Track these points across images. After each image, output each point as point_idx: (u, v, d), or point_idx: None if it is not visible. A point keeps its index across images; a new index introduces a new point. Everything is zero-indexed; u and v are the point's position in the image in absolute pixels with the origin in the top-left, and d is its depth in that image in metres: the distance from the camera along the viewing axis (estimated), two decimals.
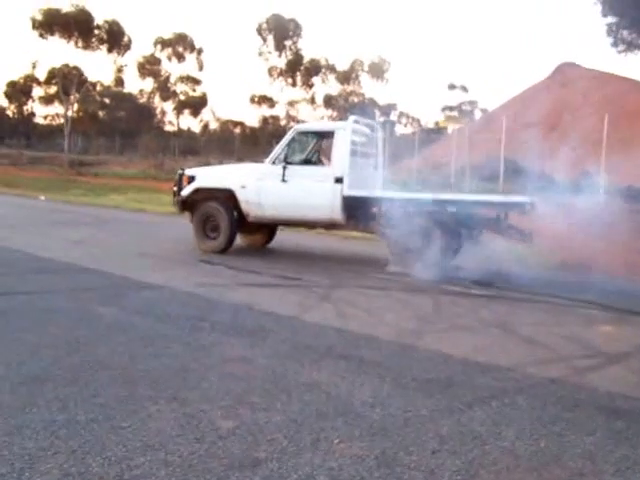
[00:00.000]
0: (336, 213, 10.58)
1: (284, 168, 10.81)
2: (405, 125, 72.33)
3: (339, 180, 10.52)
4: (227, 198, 11.36)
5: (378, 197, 10.63)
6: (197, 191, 11.60)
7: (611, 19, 29.67)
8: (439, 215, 9.73)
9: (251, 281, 9.02)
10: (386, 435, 3.99)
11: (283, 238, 13.27)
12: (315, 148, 12.05)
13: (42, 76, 62.15)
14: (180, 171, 12.11)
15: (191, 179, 11.71)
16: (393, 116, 70.10)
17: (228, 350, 5.66)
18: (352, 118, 11.09)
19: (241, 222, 11.46)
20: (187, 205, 11.79)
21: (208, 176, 11.87)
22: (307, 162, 11.58)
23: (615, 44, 30.06)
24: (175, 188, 11.96)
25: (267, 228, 12.48)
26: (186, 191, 11.64)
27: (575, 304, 8.38)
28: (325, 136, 11.65)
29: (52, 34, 50.86)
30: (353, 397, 4.63)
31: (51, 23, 50.23)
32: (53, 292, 7.73)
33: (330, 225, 11.13)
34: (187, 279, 8.86)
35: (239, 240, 12.26)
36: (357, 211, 10.69)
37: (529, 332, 6.75)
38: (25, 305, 7.01)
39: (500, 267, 9.43)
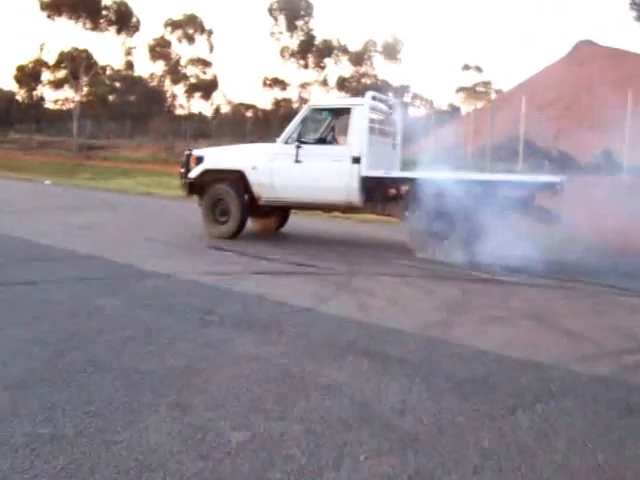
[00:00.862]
0: (353, 195, 9.97)
1: (297, 148, 10.22)
2: (418, 107, 71.41)
3: (356, 160, 9.90)
4: (237, 180, 10.77)
5: (398, 178, 10.04)
6: (205, 173, 11.01)
7: None
8: (464, 197, 9.10)
9: (263, 269, 8.45)
10: (419, 449, 3.45)
11: (296, 222, 12.67)
12: (330, 126, 11.42)
13: (51, 60, 61.64)
14: (187, 151, 11.53)
15: (199, 160, 11.13)
16: (406, 98, 69.22)
17: (239, 347, 5.11)
18: (370, 94, 10.45)
19: (252, 205, 10.87)
20: (195, 188, 11.21)
21: (217, 157, 11.27)
22: (322, 141, 10.97)
23: (639, 18, 29.17)
24: (182, 170, 11.38)
25: (280, 211, 11.89)
26: (194, 173, 11.06)
27: (611, 291, 7.78)
28: (341, 113, 10.99)
29: (60, 15, 50.28)
30: (380, 402, 4.08)
31: (59, 4, 49.64)
32: (50, 282, 7.18)
33: (347, 208, 10.50)
34: (195, 267, 8.32)
35: (250, 224, 11.68)
36: (376, 193, 10.11)
37: (567, 323, 6.17)
38: (19, 296, 6.50)
39: (529, 251, 8.80)
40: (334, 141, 11.18)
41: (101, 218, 13.25)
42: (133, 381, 4.29)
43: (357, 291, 7.23)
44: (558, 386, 4.46)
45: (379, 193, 10.12)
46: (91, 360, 4.66)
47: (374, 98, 10.58)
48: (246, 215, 10.94)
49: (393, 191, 10.31)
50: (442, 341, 5.44)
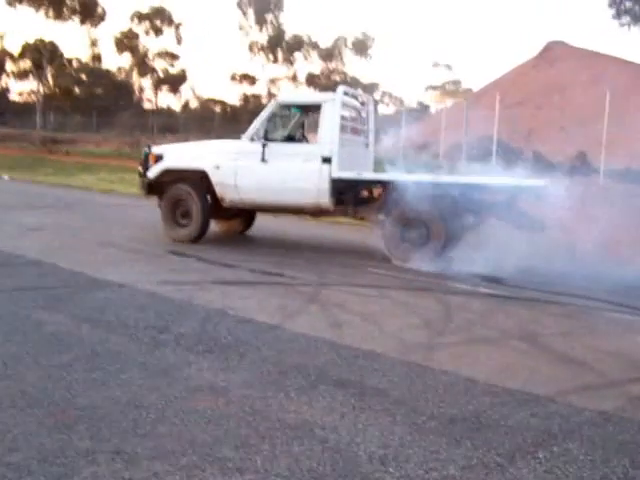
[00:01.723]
0: (323, 197, 9.33)
1: (264, 146, 9.52)
2: (387, 105, 70.96)
3: (327, 160, 9.25)
4: (199, 180, 10.03)
5: (372, 180, 9.44)
6: (165, 172, 10.25)
7: None
8: (443, 200, 8.53)
9: (226, 277, 7.79)
10: None
11: (263, 224, 11.92)
12: (299, 123, 10.76)
13: (16, 50, 60.17)
14: (146, 149, 10.75)
15: (158, 158, 10.36)
16: (376, 95, 68.72)
17: (195, 375, 4.49)
18: (341, 89, 9.77)
19: (215, 207, 10.16)
20: (154, 188, 10.44)
21: (178, 155, 10.48)
22: (290, 139, 10.26)
23: (618, 16, 28.77)
24: (141, 168, 10.63)
25: (245, 213, 11.13)
26: (153, 172, 10.29)
27: (605, 306, 7.24)
28: (311, 109, 10.33)
29: (21, 2, 48.76)
30: (357, 447, 3.51)
31: None
32: None
33: (316, 211, 9.80)
34: (152, 275, 7.64)
35: (213, 226, 10.98)
36: (347, 196, 9.47)
37: (561, 345, 5.61)
38: None
39: (512, 260, 8.25)
40: (303, 139, 10.54)
41: (56, 218, 12.42)
42: (69, 420, 3.68)
43: (328, 305, 6.61)
44: (560, 425, 3.90)
45: (351, 196, 9.49)
46: (22, 393, 4.03)
47: (346, 93, 9.92)
48: (209, 218, 10.24)
49: (366, 194, 9.70)
50: (425, 367, 4.85)
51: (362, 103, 10.70)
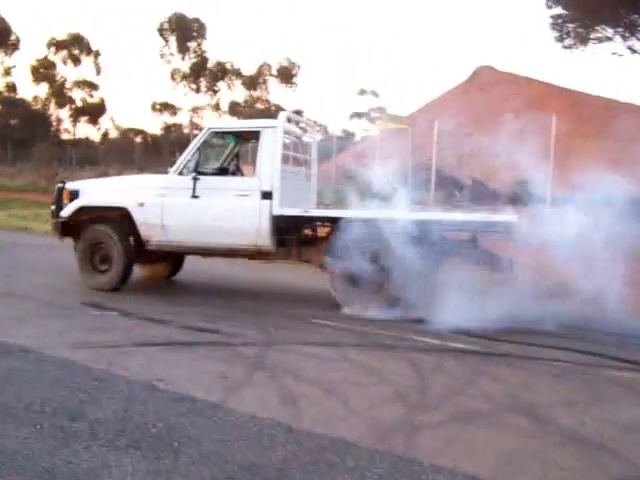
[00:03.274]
0: (264, 238, 8.24)
1: (195, 180, 8.40)
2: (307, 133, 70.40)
3: (267, 195, 8.19)
4: (120, 220, 8.81)
5: (320, 217, 8.44)
6: (81, 210, 8.99)
7: (557, 11, 28.22)
8: (400, 239, 7.56)
9: (153, 337, 6.56)
10: None
11: (193, 266, 10.68)
12: (234, 153, 9.65)
13: None
14: (60, 184, 9.42)
15: (74, 195, 9.09)
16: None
17: None
18: (284, 114, 8.73)
19: (139, 250, 8.93)
20: (69, 229, 9.16)
21: (95, 191, 9.22)
22: (224, 172, 9.18)
23: (561, 38, 28.64)
24: (53, 207, 9.33)
25: (172, 256, 9.87)
26: (67, 210, 9.00)
27: (596, 361, 6.37)
28: (247, 138, 9.29)
29: None
30: None
31: None
32: None
33: (255, 254, 8.64)
34: (64, 335, 6.41)
35: (137, 271, 9.72)
36: (290, 235, 8.41)
37: (567, 420, 4.63)
38: None
39: (477, 305, 7.30)
40: (238, 172, 9.45)
41: None
42: None
43: (278, 372, 5.49)
44: None
45: (294, 235, 8.45)
46: None
47: (289, 120, 8.90)
48: (131, 262, 8.99)
49: (311, 233, 8.67)
50: (411, 462, 3.80)
51: (303, 129, 9.71)
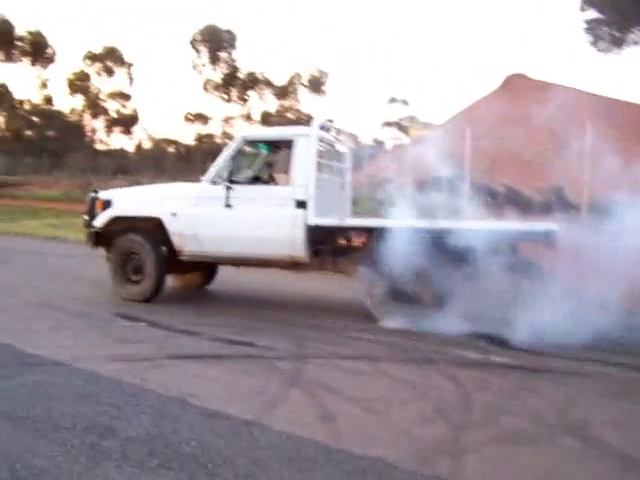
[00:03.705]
0: (298, 249, 8.05)
1: (228, 189, 8.26)
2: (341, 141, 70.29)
3: (302, 204, 8.01)
4: (153, 229, 8.69)
5: (356, 227, 8.25)
6: (114, 220, 8.90)
7: (592, 14, 27.90)
8: (438, 249, 7.33)
9: (185, 349, 6.42)
10: None
11: (226, 276, 10.53)
12: (267, 162, 9.46)
13: None
14: (93, 194, 9.34)
15: (107, 204, 9.01)
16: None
17: None
18: (317, 122, 8.52)
19: (172, 260, 8.79)
20: (102, 238, 9.07)
21: (128, 201, 9.12)
22: (257, 181, 9.00)
23: (595, 42, 28.31)
24: (86, 216, 9.25)
25: (205, 266, 9.75)
26: (100, 220, 8.93)
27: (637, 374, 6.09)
28: (281, 145, 9.09)
29: None
30: None
31: None
32: None
33: (289, 264, 8.45)
34: (96, 348, 6.29)
35: (169, 280, 9.55)
36: (325, 246, 8.20)
37: (621, 441, 4.34)
38: None
39: (517, 317, 7.06)
40: (271, 180, 9.28)
41: None
42: None
43: (314, 387, 5.30)
44: None
45: (329, 245, 8.24)
46: None
47: (322, 127, 8.72)
48: (164, 273, 8.86)
49: (345, 242, 8.47)
50: None
51: (338, 137, 9.52)
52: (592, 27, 28.16)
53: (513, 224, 7.57)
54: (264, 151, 9.31)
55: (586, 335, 6.74)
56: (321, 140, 8.54)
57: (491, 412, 4.89)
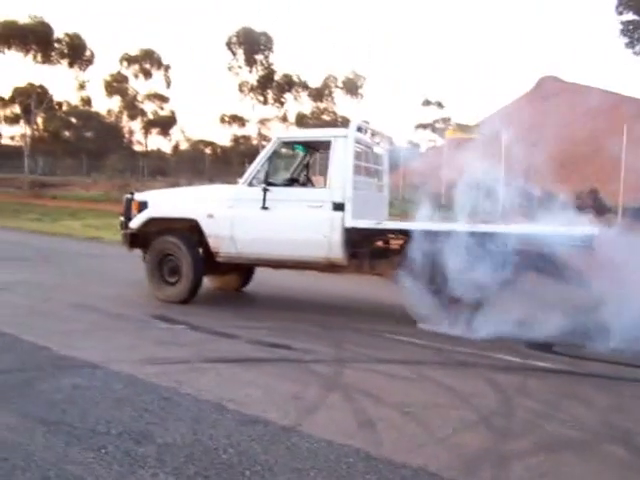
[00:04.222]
0: (335, 251, 7.97)
1: (265, 191, 8.19)
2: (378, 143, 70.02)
3: (339, 207, 7.92)
4: (190, 231, 8.68)
5: (395, 229, 8.14)
6: (150, 222, 8.88)
7: (628, 17, 27.57)
8: (478, 253, 7.20)
9: (223, 353, 6.36)
10: None
11: (263, 277, 10.44)
12: (304, 164, 9.43)
13: (6, 94, 59.38)
14: (129, 195, 9.36)
15: (142, 206, 8.99)
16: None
17: None
18: (355, 123, 8.44)
19: (208, 262, 8.76)
20: (138, 240, 9.07)
21: (164, 202, 9.11)
22: (294, 183, 8.97)
23: (632, 44, 27.97)
24: (122, 217, 9.27)
25: (242, 267, 9.66)
26: (136, 222, 8.91)
27: None
28: (318, 147, 9.04)
29: (9, 48, 47.89)
30: None
31: (8, 36, 47.17)
32: None
33: (326, 267, 8.36)
34: (132, 351, 6.27)
35: (206, 281, 9.54)
36: (363, 248, 8.11)
37: None
38: None
39: (556, 321, 6.91)
40: (308, 182, 9.21)
41: (30, 274, 10.99)
42: None
43: (353, 392, 5.21)
44: None
45: (367, 248, 8.15)
46: None
47: (359, 129, 8.63)
48: (201, 274, 8.82)
49: (383, 245, 8.36)
50: None
51: (375, 139, 9.42)
52: (629, 29, 27.86)
53: (552, 228, 7.38)
54: (301, 153, 9.25)
55: (630, 340, 6.58)
56: (358, 142, 8.47)
57: (533, 418, 4.77)
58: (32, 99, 51.10)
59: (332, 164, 8.10)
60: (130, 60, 62.94)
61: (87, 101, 65.38)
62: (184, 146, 70.35)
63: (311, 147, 9.16)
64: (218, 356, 6.19)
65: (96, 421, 4.38)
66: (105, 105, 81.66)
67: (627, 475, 3.87)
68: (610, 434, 4.51)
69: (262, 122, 62.35)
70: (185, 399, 4.89)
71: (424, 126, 68.06)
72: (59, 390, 5.02)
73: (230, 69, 57.20)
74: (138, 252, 9.40)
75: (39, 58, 49.49)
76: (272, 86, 59.38)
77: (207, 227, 8.53)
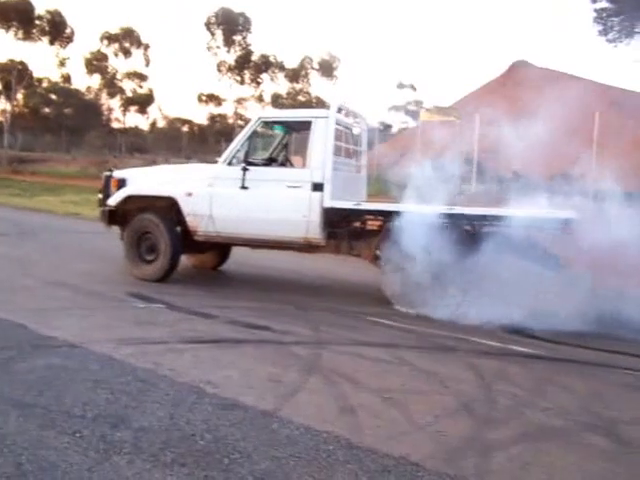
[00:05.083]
0: (313, 231, 7.91)
1: (244, 170, 8.09)
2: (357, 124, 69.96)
3: (318, 187, 7.85)
4: (168, 209, 8.57)
5: (371, 210, 8.09)
6: (129, 199, 8.75)
7: (602, 5, 27.60)
8: (456, 235, 7.18)
9: (200, 334, 6.24)
10: None
11: (240, 256, 10.39)
12: (283, 144, 9.34)
13: None
14: (107, 172, 9.23)
15: (121, 183, 8.87)
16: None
17: None
18: (335, 104, 8.36)
19: (186, 240, 8.66)
20: (116, 217, 8.93)
21: (143, 180, 8.97)
22: (273, 162, 8.89)
23: (605, 32, 28.00)
24: (100, 195, 9.13)
25: (220, 246, 9.58)
26: (114, 199, 8.78)
27: None
28: (298, 127, 8.93)
29: None
30: None
31: None
32: None
33: (304, 246, 8.31)
34: (109, 330, 6.14)
35: (183, 259, 9.43)
36: (341, 228, 8.07)
37: None
38: None
39: (533, 305, 6.88)
40: (287, 162, 9.11)
41: (7, 249, 10.81)
42: None
43: (333, 376, 5.14)
44: None
45: (345, 228, 8.11)
46: None
47: (340, 110, 8.54)
48: (179, 253, 8.72)
49: (361, 226, 8.31)
50: None
51: (355, 120, 9.33)
52: (602, 17, 27.95)
53: (529, 211, 7.32)
54: (279, 132, 9.15)
55: (608, 326, 6.59)
56: (338, 123, 8.39)
57: (515, 405, 4.74)
58: (13, 75, 50.59)
59: (312, 144, 8.03)
60: (110, 38, 62.27)
61: (67, 78, 64.62)
62: (161, 124, 70.03)
63: (292, 127, 9.06)
64: (195, 337, 6.09)
65: (72, 403, 4.26)
66: (85, 82, 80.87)
67: (608, 466, 3.83)
68: (592, 423, 4.47)
69: (239, 101, 62.25)
70: (163, 381, 4.79)
71: (397, 108, 68.08)
72: (34, 370, 4.89)
73: (209, 49, 56.98)
74: (116, 229, 9.27)
75: (20, 35, 49.14)
76: (249, 66, 59.32)
77: (186, 206, 8.43)
